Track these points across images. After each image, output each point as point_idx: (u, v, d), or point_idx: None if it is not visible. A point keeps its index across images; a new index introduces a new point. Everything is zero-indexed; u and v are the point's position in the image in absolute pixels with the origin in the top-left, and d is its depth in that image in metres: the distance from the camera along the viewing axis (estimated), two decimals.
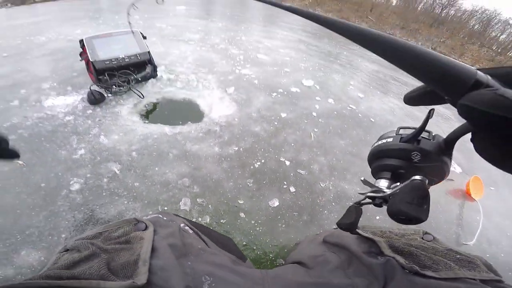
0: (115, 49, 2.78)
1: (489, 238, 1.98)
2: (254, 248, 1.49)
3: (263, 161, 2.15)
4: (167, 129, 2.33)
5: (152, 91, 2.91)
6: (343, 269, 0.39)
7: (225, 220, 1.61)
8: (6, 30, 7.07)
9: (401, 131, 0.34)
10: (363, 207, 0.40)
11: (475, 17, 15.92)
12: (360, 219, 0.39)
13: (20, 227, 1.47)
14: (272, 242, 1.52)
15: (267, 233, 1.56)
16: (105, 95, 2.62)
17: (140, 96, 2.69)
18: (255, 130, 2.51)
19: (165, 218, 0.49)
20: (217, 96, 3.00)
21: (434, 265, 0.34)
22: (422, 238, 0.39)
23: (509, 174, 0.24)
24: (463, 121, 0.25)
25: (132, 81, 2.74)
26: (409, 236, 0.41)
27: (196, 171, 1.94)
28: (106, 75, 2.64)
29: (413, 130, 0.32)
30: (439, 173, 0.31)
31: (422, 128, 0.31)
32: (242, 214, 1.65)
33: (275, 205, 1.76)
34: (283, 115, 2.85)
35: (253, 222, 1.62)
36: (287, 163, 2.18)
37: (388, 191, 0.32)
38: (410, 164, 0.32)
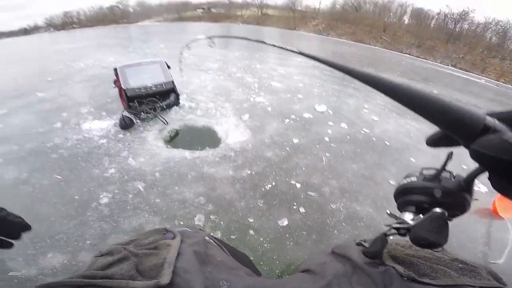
0: (144, 78, 3.23)
1: None
2: (261, 263, 1.59)
3: (274, 183, 2.31)
4: (187, 153, 2.61)
5: (175, 118, 3.30)
6: (347, 277, 0.43)
7: (235, 236, 1.75)
8: (51, 55, 8.35)
9: (424, 171, 0.38)
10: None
11: (490, 29, 15.69)
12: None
13: (52, 233, 1.72)
14: (279, 258, 1.62)
15: (274, 250, 1.67)
16: (135, 121, 3.02)
17: (164, 123, 3.06)
18: (267, 155, 2.71)
19: (191, 230, 0.56)
20: (233, 123, 3.31)
21: (433, 273, 0.37)
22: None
23: None
24: None
25: (158, 109, 3.14)
26: (416, 247, 0.44)
27: (211, 191, 2.15)
28: (136, 102, 3.06)
29: (435, 170, 0.36)
30: (460, 207, 0.34)
31: (443, 168, 0.35)
32: (251, 232, 1.79)
33: (284, 224, 1.87)
34: (295, 140, 3.03)
35: (261, 239, 1.74)
36: (298, 185, 2.31)
37: (412, 223, 0.36)
38: (432, 200, 0.35)
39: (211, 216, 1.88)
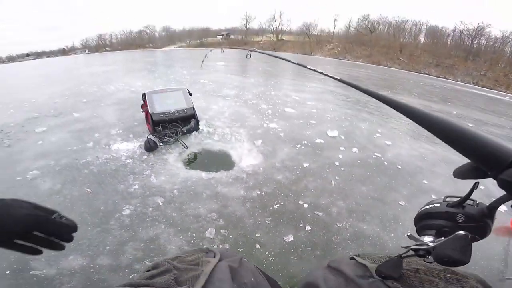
0: (168, 103, 3.68)
1: None
2: None
3: (282, 203, 2.50)
4: (203, 174, 2.92)
5: (194, 142, 3.70)
6: None
7: (242, 249, 1.94)
8: (86, 77, 9.56)
9: (448, 199, 0.40)
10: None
11: (509, 43, 15.30)
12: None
13: (76, 238, 1.95)
14: (282, 271, 1.76)
15: (278, 263, 1.82)
16: (158, 144, 3.41)
17: (184, 147, 3.43)
18: (277, 178, 2.92)
19: (229, 251, 0.67)
20: (247, 148, 3.62)
21: (420, 284, 0.40)
22: (424, 260, 0.43)
23: None
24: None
25: (179, 133, 3.53)
26: (409, 259, 0.45)
27: (223, 208, 2.38)
28: (160, 126, 3.48)
29: (459, 198, 0.38)
30: (481, 232, 0.36)
31: (468, 196, 0.37)
32: (257, 246, 1.96)
33: (290, 240, 2.03)
34: (305, 164, 3.24)
35: (266, 253, 1.90)
36: (305, 205, 2.48)
37: (432, 244, 0.37)
38: (454, 224, 0.37)
39: (221, 230, 2.10)
